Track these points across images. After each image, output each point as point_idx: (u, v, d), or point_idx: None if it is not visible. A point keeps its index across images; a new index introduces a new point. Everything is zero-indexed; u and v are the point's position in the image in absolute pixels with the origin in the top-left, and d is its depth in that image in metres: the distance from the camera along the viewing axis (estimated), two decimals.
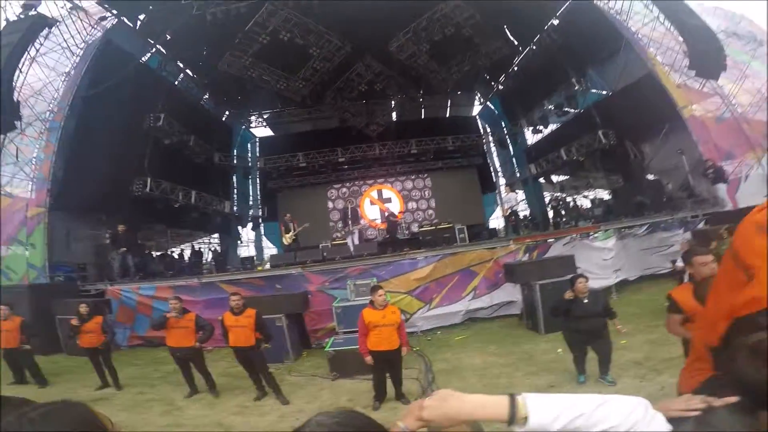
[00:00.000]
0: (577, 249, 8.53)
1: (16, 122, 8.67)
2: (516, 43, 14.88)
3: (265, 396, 5.32)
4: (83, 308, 5.99)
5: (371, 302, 4.78)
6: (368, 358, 4.61)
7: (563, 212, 14.39)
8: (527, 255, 8.67)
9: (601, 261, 8.56)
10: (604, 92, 13.70)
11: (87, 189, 9.84)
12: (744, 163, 10.22)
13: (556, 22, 13.42)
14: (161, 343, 5.65)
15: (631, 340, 5.55)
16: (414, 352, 6.63)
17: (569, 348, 4.71)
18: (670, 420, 0.78)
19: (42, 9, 9.42)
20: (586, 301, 4.39)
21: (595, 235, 8.95)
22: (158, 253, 13.32)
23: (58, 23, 9.70)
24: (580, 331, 4.46)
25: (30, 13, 9.20)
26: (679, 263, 6.05)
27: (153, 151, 12.02)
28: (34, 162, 9.73)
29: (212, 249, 16.39)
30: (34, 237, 9.14)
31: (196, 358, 5.51)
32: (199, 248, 15.52)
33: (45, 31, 9.48)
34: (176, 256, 13.97)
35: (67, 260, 9.58)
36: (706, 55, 9.65)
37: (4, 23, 9.13)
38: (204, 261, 14.14)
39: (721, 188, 9.59)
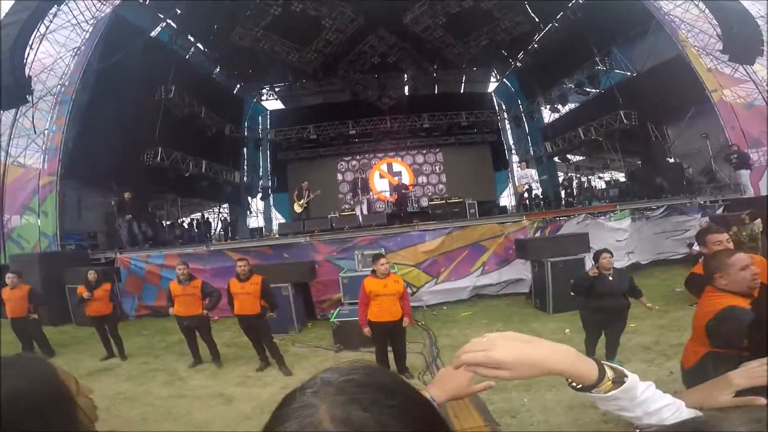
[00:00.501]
0: (590, 228, 8.24)
1: (27, 96, 8.76)
2: (537, 19, 14.06)
3: (268, 366, 5.34)
4: (91, 275, 5.94)
5: (373, 271, 4.60)
6: (366, 330, 4.47)
7: (577, 192, 13.99)
8: (539, 232, 8.45)
9: (614, 242, 8.22)
10: (629, 73, 13.06)
11: (97, 158, 9.92)
12: None
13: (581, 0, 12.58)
14: (168, 314, 5.63)
15: (641, 324, 5.42)
16: (419, 326, 6.63)
17: (585, 328, 4.44)
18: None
19: None
20: (611, 278, 4.11)
21: (610, 214, 8.65)
22: (168, 222, 13.47)
23: (66, 1, 9.62)
24: (601, 310, 4.18)
25: None
26: (696, 247, 5.67)
27: (164, 123, 11.94)
28: (46, 134, 9.86)
29: (222, 219, 16.53)
30: (45, 205, 9.27)
31: (203, 326, 5.51)
32: (209, 218, 15.68)
33: (54, 9, 9.43)
34: (186, 225, 14.11)
35: (78, 228, 9.73)
36: (742, 39, 9.22)
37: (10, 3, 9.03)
38: (213, 230, 14.28)
39: (744, 175, 9.14)
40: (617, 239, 8.39)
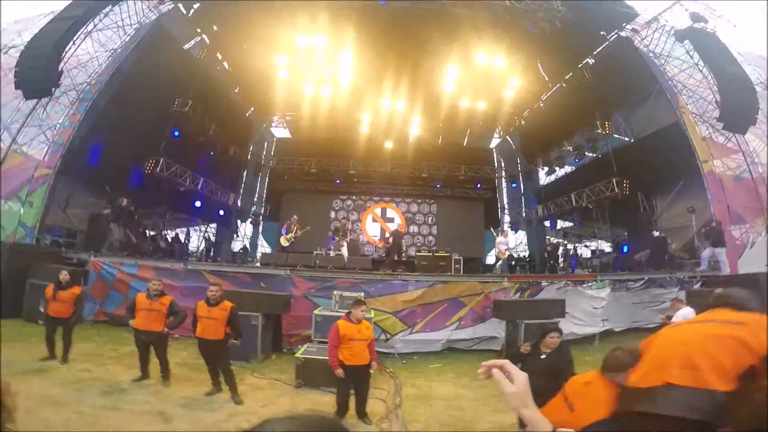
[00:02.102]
0: (569, 294, 8.42)
1: (52, 89, 8.96)
2: (546, 78, 14.71)
3: (219, 392, 5.14)
4: (64, 276, 5.83)
5: (349, 314, 4.68)
6: (339, 371, 4.48)
7: (562, 258, 14.12)
8: (519, 294, 8.59)
9: (591, 309, 8.48)
10: (627, 139, 13.38)
11: (100, 160, 10.05)
12: (753, 229, 9.95)
13: (591, 61, 13.16)
14: (127, 324, 5.46)
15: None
16: (387, 373, 6.56)
17: None
18: None
19: None
20: (543, 357, 3.92)
21: (590, 283, 8.82)
22: (152, 233, 13.34)
23: (121, 2, 10.19)
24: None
25: None
26: (673, 319, 5.95)
27: (171, 136, 12.22)
28: (57, 127, 9.98)
29: (206, 237, 16.40)
30: (34, 196, 9.24)
31: (159, 342, 5.34)
32: (194, 235, 15.55)
33: (108, 9, 9.95)
34: (169, 239, 13.97)
35: (60, 225, 9.62)
36: (739, 107, 9.34)
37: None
38: (196, 248, 14.12)
39: (720, 252, 9.32)
40: (594, 306, 8.60)
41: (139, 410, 4.43)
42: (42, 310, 5.86)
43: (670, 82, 11.25)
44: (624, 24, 11.56)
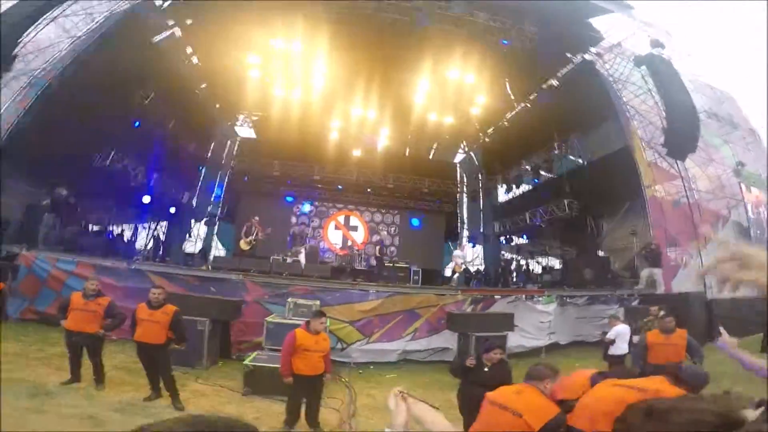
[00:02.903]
0: (518, 308, 8.79)
1: (1, 73, 8.33)
2: (512, 97, 15.11)
3: (158, 398, 4.89)
4: None
5: (308, 324, 4.65)
6: (289, 379, 4.42)
7: (515, 273, 14.70)
8: (472, 307, 8.84)
9: (538, 323, 8.90)
10: (580, 161, 13.98)
11: (45, 148, 9.29)
12: (686, 251, 10.81)
13: (555, 82, 13.62)
14: (58, 324, 5.08)
15: None
16: (342, 383, 6.53)
17: (459, 410, 4.35)
18: None
19: None
20: (486, 369, 4.18)
21: (539, 298, 9.25)
22: (96, 228, 12.41)
23: None
24: (472, 398, 4.07)
25: None
26: (609, 335, 6.52)
27: (128, 127, 11.55)
28: (2, 112, 9.13)
29: (155, 236, 15.48)
30: None
31: (93, 345, 5.00)
32: (142, 233, 14.62)
33: None
34: (114, 236, 13.07)
35: None
36: (681, 134, 9.75)
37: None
38: (143, 246, 13.31)
39: (657, 272, 10.11)
40: (541, 320, 9.02)
41: (67, 413, 4.12)
42: None
43: (624, 107, 11.84)
44: (589, 47, 12.10)
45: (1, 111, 8.99)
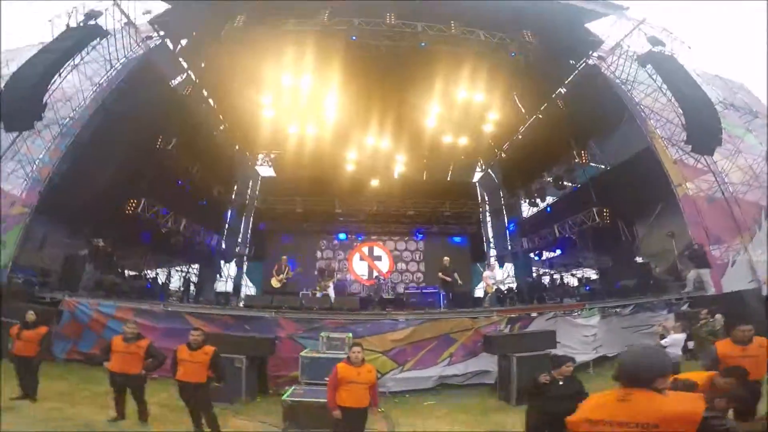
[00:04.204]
0: (559, 325, 8.43)
1: (35, 122, 8.78)
2: (524, 110, 15.25)
3: None
4: (30, 315, 5.74)
5: (348, 358, 4.68)
6: (337, 413, 4.37)
7: (550, 288, 14.16)
8: (509, 327, 8.55)
9: (581, 337, 8.49)
10: (603, 166, 13.71)
11: (79, 198, 9.80)
12: (732, 248, 10.18)
13: (564, 90, 13.69)
14: (100, 362, 5.22)
15: None
16: (379, 413, 6.31)
17: (526, 428, 4.31)
18: None
19: (101, 20, 10.05)
20: (561, 383, 4.18)
21: (579, 312, 8.88)
22: (132, 273, 12.86)
23: (109, 36, 10.24)
24: (548, 413, 4.04)
25: (89, 23, 9.81)
26: (664, 341, 6.21)
27: (155, 173, 12.12)
28: (37, 163, 9.72)
29: (188, 279, 15.88)
30: (8, 235, 8.86)
31: (137, 384, 5.12)
32: (176, 276, 15.04)
33: (96, 42, 9.99)
34: (150, 280, 13.48)
35: (33, 264, 9.21)
36: (703, 128, 9.45)
37: (62, 28, 9.64)
38: (177, 288, 13.63)
39: (705, 273, 9.51)
40: (585, 335, 8.60)
41: None
42: (9, 349, 5.69)
43: (638, 107, 11.61)
44: (590, 52, 12.23)
45: (37, 162, 9.54)
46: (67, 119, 9.98)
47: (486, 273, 13.22)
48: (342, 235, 18.82)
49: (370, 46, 10.40)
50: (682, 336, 6.34)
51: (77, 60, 9.73)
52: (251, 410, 6.35)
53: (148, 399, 5.22)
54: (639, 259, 11.31)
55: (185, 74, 13.16)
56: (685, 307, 9.08)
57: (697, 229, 10.13)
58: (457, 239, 19.16)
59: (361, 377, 4.44)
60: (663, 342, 6.28)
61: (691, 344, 6.54)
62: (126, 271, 12.58)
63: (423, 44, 10.35)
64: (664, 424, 1.57)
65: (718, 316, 6.91)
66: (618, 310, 9.20)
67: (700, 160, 10.91)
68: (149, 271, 14.59)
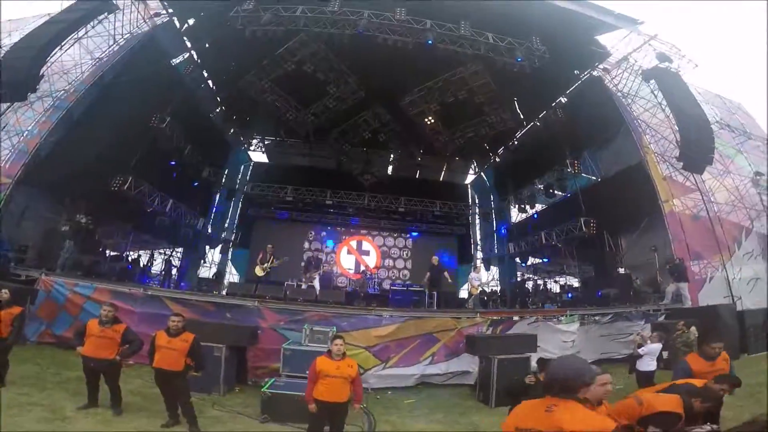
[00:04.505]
0: (540, 329, 8.56)
1: (29, 94, 8.59)
2: (522, 116, 15.26)
3: (176, 425, 4.77)
4: (4, 294, 5.50)
5: (329, 351, 4.62)
6: (312, 406, 4.34)
7: (532, 293, 14.36)
8: (491, 329, 8.63)
9: (561, 343, 8.64)
10: (594, 178, 13.87)
11: (64, 172, 9.47)
12: (711, 264, 10.50)
13: (564, 99, 13.76)
14: (74, 346, 5.03)
15: None
16: (360, 409, 6.30)
17: None
18: None
19: None
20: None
21: (561, 318, 9.03)
22: (113, 254, 12.56)
23: (117, 10, 10.03)
24: None
25: None
26: (641, 350, 6.43)
27: (145, 151, 11.82)
28: (25, 134, 9.46)
29: (170, 262, 15.57)
30: None
31: (110, 371, 4.96)
32: (158, 258, 14.73)
33: (102, 16, 9.80)
34: (131, 261, 13.18)
35: (11, 238, 8.90)
36: (697, 147, 9.55)
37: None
38: (158, 272, 13.37)
39: (683, 287, 9.79)
40: (564, 340, 8.75)
41: None
42: None
43: (635, 121, 11.74)
44: (596, 63, 12.26)
45: (25, 134, 9.27)
46: (62, 92, 9.73)
47: (471, 275, 13.33)
48: (330, 227, 18.71)
49: (377, 38, 10.22)
50: (658, 346, 6.50)
51: (81, 33, 9.55)
52: (229, 401, 6.26)
53: (122, 387, 5.08)
54: (621, 270, 11.51)
55: (188, 54, 12.93)
56: (662, 319, 9.32)
57: (679, 245, 10.37)
58: (446, 239, 19.21)
59: (340, 371, 4.38)
60: (640, 350, 6.44)
61: (665, 354, 6.71)
62: (107, 251, 12.29)
63: (429, 42, 10.15)
64: None
65: (692, 328, 7.15)
66: (597, 317, 9.37)
67: (689, 178, 11.15)
68: (131, 252, 14.28)
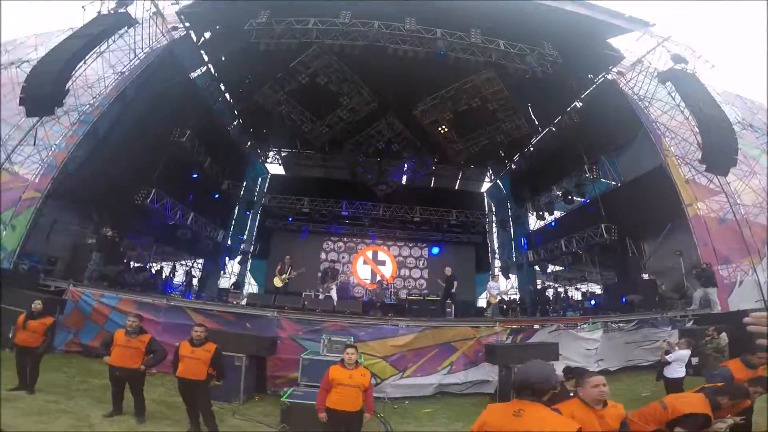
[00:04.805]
0: (562, 337, 8.39)
1: (56, 108, 8.85)
2: (537, 122, 15.16)
3: None
4: (37, 305, 5.65)
5: (342, 360, 4.65)
6: (322, 415, 4.38)
7: (553, 301, 14.04)
8: (511, 338, 8.52)
9: (584, 350, 8.46)
10: (614, 183, 13.59)
11: (91, 185, 9.84)
12: (740, 268, 10.10)
13: (579, 104, 13.62)
14: (101, 357, 5.18)
15: None
16: (378, 418, 6.32)
17: None
18: None
19: (131, 8, 10.19)
20: (572, 394, 4.13)
21: (583, 326, 8.84)
22: (137, 265, 12.92)
23: (136, 24, 10.34)
24: None
25: (120, 11, 9.95)
26: (669, 357, 6.22)
27: (167, 165, 12.18)
28: (53, 148, 9.74)
29: (192, 273, 15.92)
30: (18, 219, 8.88)
31: (135, 380, 5.08)
32: (180, 269, 15.06)
33: (123, 30, 10.09)
34: (154, 272, 13.53)
35: (41, 251, 9.26)
36: (720, 148, 9.34)
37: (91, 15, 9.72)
38: (180, 283, 13.66)
39: (712, 292, 9.42)
40: (587, 348, 8.57)
41: None
42: (11, 337, 5.60)
43: (653, 124, 11.52)
44: (610, 67, 12.12)
45: (53, 147, 9.56)
46: (87, 106, 10.03)
47: (490, 284, 13.17)
48: (346, 238, 18.80)
49: (388, 49, 10.36)
50: (686, 352, 6.29)
51: (103, 47, 9.81)
52: (249, 410, 6.29)
53: (146, 395, 5.18)
54: (645, 276, 11.18)
55: (205, 67, 13.25)
56: (690, 324, 8.99)
57: (705, 249, 10.02)
58: (463, 248, 19.05)
59: (353, 380, 4.42)
60: (668, 357, 6.23)
61: (695, 360, 6.47)
62: (131, 263, 12.66)
63: (443, 52, 10.24)
64: None
65: (723, 334, 6.89)
66: (622, 324, 9.13)
67: (713, 180, 10.78)
68: (154, 264, 14.68)
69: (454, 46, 10.41)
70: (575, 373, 4.35)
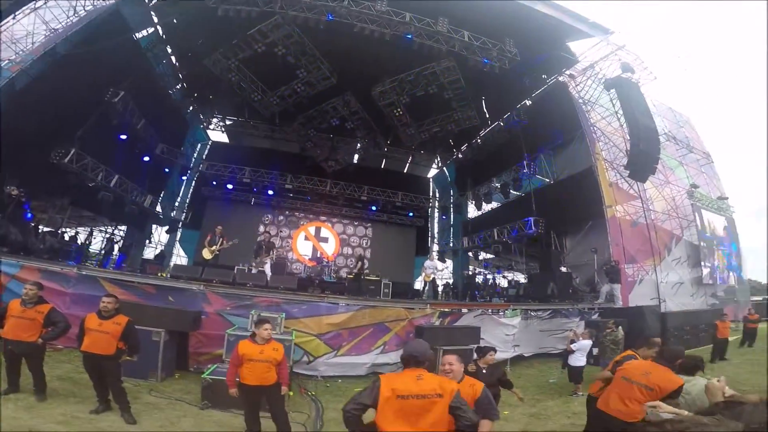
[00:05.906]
0: (485, 322, 8.94)
1: None
2: (488, 116, 15.67)
3: (107, 411, 4.56)
4: (30, 289, 4.89)
5: (252, 334, 4.51)
6: (233, 390, 4.30)
7: (482, 287, 14.96)
8: (440, 320, 8.90)
9: (503, 336, 9.07)
10: (547, 180, 14.54)
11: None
12: (642, 268, 11.42)
13: (529, 102, 14.26)
14: None
15: (513, 412, 5.73)
16: (308, 396, 6.41)
17: None
18: None
19: None
20: (485, 371, 4.53)
21: (504, 312, 9.44)
22: (47, 229, 11.55)
23: None
24: None
25: None
26: (573, 346, 6.87)
27: (93, 125, 10.98)
28: None
29: (113, 241, 14.62)
30: None
31: (32, 355, 4.64)
32: (99, 236, 13.74)
33: None
34: (68, 238, 12.21)
35: None
36: (644, 157, 9.99)
37: None
38: (98, 251, 12.48)
39: (616, 288, 10.64)
40: (506, 333, 9.22)
41: (4, 426, 3.81)
42: None
43: (591, 128, 12.37)
44: (564, 69, 12.71)
45: None
46: (6, 61, 8.99)
47: (426, 263, 13.64)
48: (288, 212, 18.37)
49: (354, 27, 10.00)
50: (588, 342, 7.00)
51: (39, 3, 8.91)
52: (167, 387, 6.05)
53: (47, 371, 4.79)
54: (563, 269, 12.24)
55: (153, 29, 12.22)
56: (595, 317, 10.06)
57: (617, 248, 11.18)
58: (405, 230, 19.47)
59: (263, 355, 4.32)
60: (573, 346, 6.88)
61: (595, 350, 7.23)
62: (40, 226, 11.29)
63: (409, 36, 10.13)
64: (446, 394, 2.39)
65: (620, 328, 7.76)
66: (538, 313, 9.94)
67: (633, 186, 11.95)
68: (68, 229, 13.21)
69: (421, 32, 10.32)
70: (484, 351, 4.87)
